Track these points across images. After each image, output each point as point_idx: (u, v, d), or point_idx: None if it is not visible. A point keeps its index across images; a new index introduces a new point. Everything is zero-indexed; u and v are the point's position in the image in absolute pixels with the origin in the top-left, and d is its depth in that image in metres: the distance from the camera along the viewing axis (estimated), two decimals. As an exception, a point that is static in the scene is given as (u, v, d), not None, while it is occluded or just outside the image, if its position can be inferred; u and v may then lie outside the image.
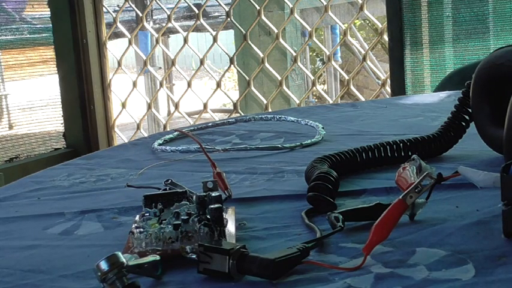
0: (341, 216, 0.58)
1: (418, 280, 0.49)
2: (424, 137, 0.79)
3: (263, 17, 2.79)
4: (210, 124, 1.11)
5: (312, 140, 0.94)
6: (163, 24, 3.21)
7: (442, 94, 1.27)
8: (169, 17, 2.95)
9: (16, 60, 2.94)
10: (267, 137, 1.01)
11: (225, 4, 2.90)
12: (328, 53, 3.05)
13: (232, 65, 2.99)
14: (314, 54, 6.73)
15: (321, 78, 5.64)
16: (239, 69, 3.07)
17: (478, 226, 0.58)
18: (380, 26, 2.56)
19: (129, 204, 0.71)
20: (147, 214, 0.60)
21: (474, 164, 0.74)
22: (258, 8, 2.79)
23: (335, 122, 1.07)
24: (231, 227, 0.59)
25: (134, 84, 3.10)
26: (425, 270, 0.50)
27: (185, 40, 2.99)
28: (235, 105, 2.90)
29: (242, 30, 2.87)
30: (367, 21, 6.47)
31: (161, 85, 3.22)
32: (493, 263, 0.50)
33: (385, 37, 2.37)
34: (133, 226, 0.58)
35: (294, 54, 2.83)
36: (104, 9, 3.03)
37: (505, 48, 0.76)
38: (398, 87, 2.28)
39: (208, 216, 0.56)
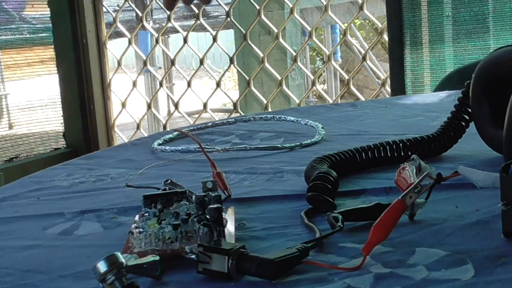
0: (340, 216, 0.58)
1: (418, 280, 0.49)
2: (424, 136, 0.79)
3: (263, 17, 2.79)
4: (209, 124, 1.11)
5: (312, 140, 0.94)
6: (163, 24, 3.21)
7: (442, 94, 1.27)
8: (169, 16, 2.95)
9: (16, 60, 2.93)
10: (267, 137, 1.01)
11: (225, 4, 2.89)
12: (328, 53, 3.05)
13: (232, 65, 2.99)
14: (314, 53, 6.73)
15: (321, 78, 5.64)
16: (239, 69, 3.07)
17: (478, 226, 0.58)
18: (380, 25, 2.56)
19: (129, 204, 0.71)
20: (147, 214, 0.60)
21: (474, 164, 0.74)
22: (258, 7, 2.78)
23: (335, 122, 1.07)
24: (230, 227, 0.59)
25: (134, 84, 3.10)
26: (424, 270, 0.50)
27: (185, 40, 2.99)
28: (235, 105, 2.90)
29: (242, 30, 2.87)
30: (367, 21, 6.48)
31: (161, 85, 3.22)
32: (493, 263, 0.50)
33: (385, 37, 2.37)
34: (133, 226, 0.58)
35: (294, 53, 2.83)
36: (104, 9, 3.03)
37: (505, 48, 0.76)
38: (398, 86, 2.28)
39: (207, 216, 0.56)
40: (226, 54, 2.98)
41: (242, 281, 0.51)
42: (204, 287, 0.51)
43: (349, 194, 0.69)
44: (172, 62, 3.07)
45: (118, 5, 3.41)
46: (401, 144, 0.78)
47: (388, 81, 2.48)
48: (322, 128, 0.99)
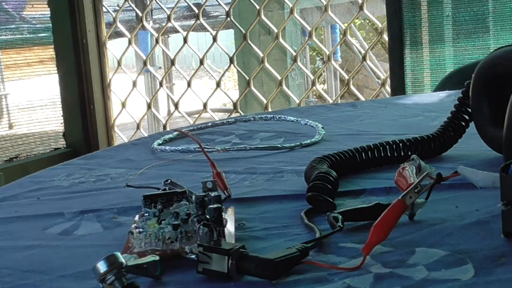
0: (340, 216, 0.58)
1: (418, 280, 0.49)
2: (424, 136, 0.79)
3: (263, 17, 2.79)
4: (209, 124, 1.11)
5: (312, 139, 0.94)
6: (163, 24, 3.21)
7: (442, 94, 1.27)
8: (169, 16, 2.95)
9: (15, 60, 2.93)
10: (267, 136, 1.01)
11: (225, 4, 2.89)
12: (328, 53, 3.05)
13: (232, 65, 2.99)
14: (314, 53, 6.73)
15: (321, 78, 5.64)
16: (239, 69, 3.06)
17: (478, 226, 0.58)
18: (380, 25, 2.56)
19: (129, 204, 0.71)
20: (147, 214, 0.60)
21: (474, 164, 0.74)
22: (257, 7, 2.78)
23: (335, 122, 1.07)
24: (230, 227, 0.59)
25: (134, 83, 3.10)
26: (424, 270, 0.50)
27: (185, 40, 2.99)
28: (235, 104, 2.90)
29: (242, 29, 2.87)
30: (367, 21, 6.47)
31: (161, 85, 3.22)
32: (493, 263, 0.50)
33: (385, 36, 2.37)
34: (133, 226, 0.58)
35: (294, 53, 2.83)
36: (104, 9, 3.03)
37: (505, 48, 0.76)
38: (398, 86, 2.28)
39: (207, 216, 0.56)
40: (226, 54, 2.98)
41: (242, 281, 0.51)
42: (204, 287, 0.51)
43: (349, 194, 0.69)
44: (172, 62, 3.07)
45: (118, 5, 3.41)
46: (401, 144, 0.78)
47: (388, 81, 2.48)
48: (322, 128, 0.99)
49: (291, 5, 2.75)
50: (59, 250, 0.61)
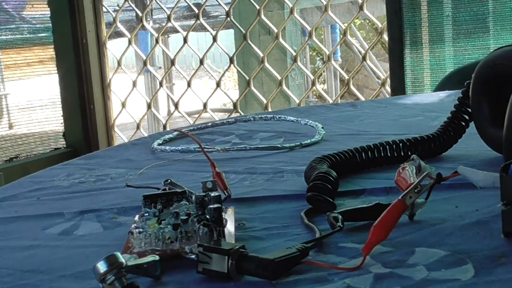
0: (340, 216, 0.58)
1: (418, 280, 0.49)
2: (424, 136, 0.79)
3: (263, 17, 2.79)
4: (209, 124, 1.11)
5: (312, 139, 0.94)
6: (163, 24, 3.21)
7: (442, 94, 1.27)
8: (169, 16, 2.95)
9: (15, 60, 2.93)
10: (267, 136, 1.01)
11: (225, 4, 2.89)
12: (328, 53, 3.05)
13: (232, 65, 2.99)
14: (314, 53, 6.73)
15: (321, 78, 5.64)
16: (239, 69, 3.06)
17: (478, 226, 0.58)
18: (380, 25, 2.56)
19: (129, 204, 0.71)
20: (147, 214, 0.60)
21: (474, 164, 0.74)
22: (257, 7, 2.78)
23: (335, 122, 1.07)
24: (230, 227, 0.59)
25: (134, 83, 3.10)
26: (424, 270, 0.50)
27: (185, 40, 2.99)
28: (235, 105, 2.90)
29: (242, 29, 2.87)
30: (367, 21, 6.47)
31: (161, 85, 3.21)
32: (493, 263, 0.50)
33: (385, 36, 2.37)
34: (133, 226, 0.58)
35: (294, 53, 2.83)
36: (104, 9, 3.03)
37: (505, 48, 0.76)
38: (398, 86, 2.29)
39: (207, 216, 0.56)
40: (226, 54, 2.98)
41: (242, 281, 0.51)
42: (204, 287, 0.51)
43: (349, 194, 0.69)
44: (172, 62, 3.07)
45: (118, 5, 3.41)
46: (401, 144, 0.78)
47: (388, 81, 2.49)
48: (322, 128, 0.99)
49: (291, 5, 2.75)
50: (59, 250, 0.61)
